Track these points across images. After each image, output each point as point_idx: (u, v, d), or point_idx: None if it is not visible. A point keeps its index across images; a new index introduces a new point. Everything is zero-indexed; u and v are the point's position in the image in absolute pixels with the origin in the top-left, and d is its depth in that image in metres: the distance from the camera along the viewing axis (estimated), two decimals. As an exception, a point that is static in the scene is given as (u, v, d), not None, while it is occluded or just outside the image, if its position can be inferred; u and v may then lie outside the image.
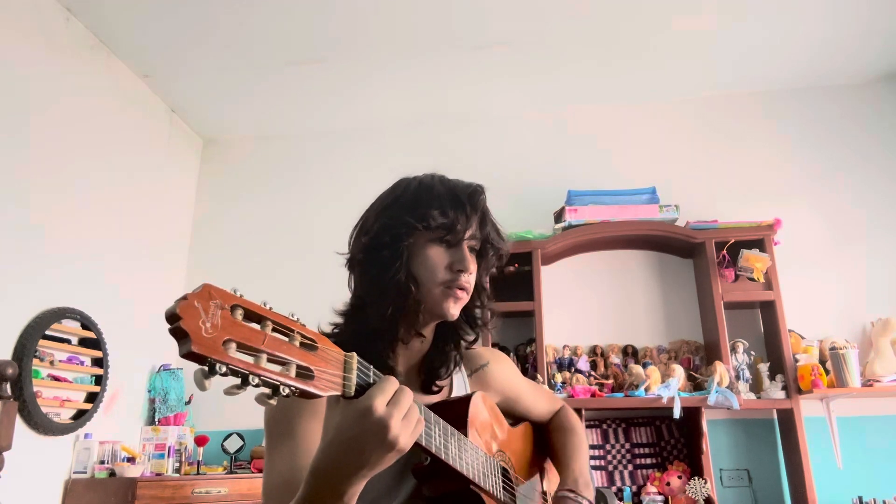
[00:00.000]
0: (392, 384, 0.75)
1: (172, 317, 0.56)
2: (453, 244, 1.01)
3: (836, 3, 2.79)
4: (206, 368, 0.57)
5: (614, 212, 3.09)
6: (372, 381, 0.76)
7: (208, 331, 0.57)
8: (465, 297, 1.03)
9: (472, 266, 1.03)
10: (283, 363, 0.64)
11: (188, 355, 0.56)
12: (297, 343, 0.66)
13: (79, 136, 2.83)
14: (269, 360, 0.63)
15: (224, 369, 0.58)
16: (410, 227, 1.00)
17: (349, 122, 3.74)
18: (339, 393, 0.71)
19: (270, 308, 0.65)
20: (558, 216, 3.14)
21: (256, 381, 0.61)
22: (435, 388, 1.10)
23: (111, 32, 2.94)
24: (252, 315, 0.63)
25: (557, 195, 3.22)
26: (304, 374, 0.66)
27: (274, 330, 0.65)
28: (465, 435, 0.96)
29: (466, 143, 3.64)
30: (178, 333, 0.56)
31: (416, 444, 0.82)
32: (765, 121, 3.41)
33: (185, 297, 0.57)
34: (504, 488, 1.05)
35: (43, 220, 2.61)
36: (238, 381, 0.61)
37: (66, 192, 2.74)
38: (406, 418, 0.75)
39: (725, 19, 2.90)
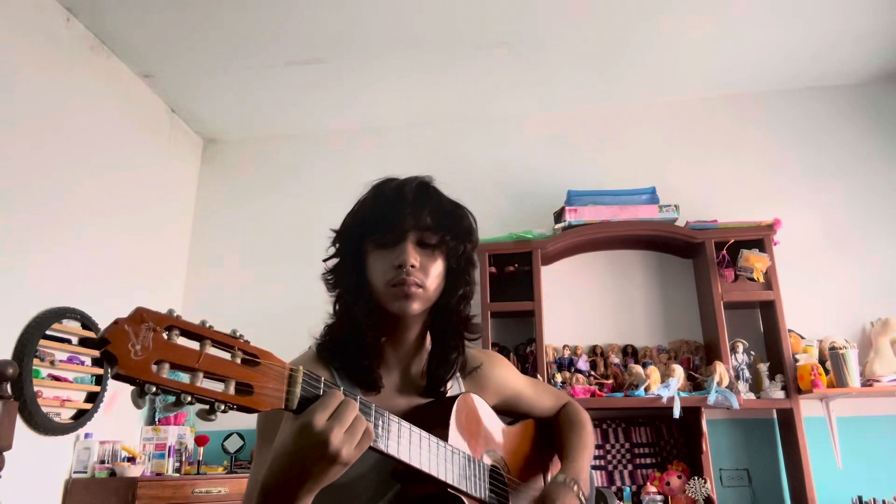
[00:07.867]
0: (334, 399, 0.76)
1: (101, 342, 0.58)
2: (391, 245, 1.03)
3: (834, 3, 2.78)
4: (137, 389, 0.60)
5: (614, 212, 3.08)
6: (322, 392, 0.77)
7: (137, 353, 0.59)
8: (417, 291, 1.02)
9: (414, 258, 1.01)
10: (222, 380, 0.66)
11: (116, 377, 0.58)
12: (237, 360, 0.68)
13: (79, 136, 2.84)
14: (206, 378, 0.64)
15: (154, 389, 0.60)
16: (357, 238, 1.06)
17: (349, 122, 3.74)
18: (281, 407, 0.72)
19: (210, 327, 0.67)
20: (558, 216, 3.14)
21: (189, 399, 0.63)
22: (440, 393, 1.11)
23: (111, 32, 2.95)
24: (190, 334, 0.65)
25: (557, 195, 3.22)
26: (244, 390, 0.68)
27: (214, 347, 0.66)
28: (447, 436, 0.97)
29: (466, 143, 3.64)
30: (107, 357, 0.58)
31: (381, 452, 0.83)
32: (764, 121, 3.39)
33: (115, 322, 0.59)
34: (491, 490, 1.05)
35: (43, 220, 2.62)
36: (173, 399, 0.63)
37: (66, 192, 2.75)
38: (349, 431, 0.76)
39: (724, 20, 2.88)
